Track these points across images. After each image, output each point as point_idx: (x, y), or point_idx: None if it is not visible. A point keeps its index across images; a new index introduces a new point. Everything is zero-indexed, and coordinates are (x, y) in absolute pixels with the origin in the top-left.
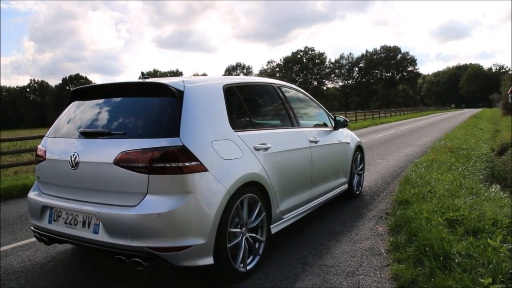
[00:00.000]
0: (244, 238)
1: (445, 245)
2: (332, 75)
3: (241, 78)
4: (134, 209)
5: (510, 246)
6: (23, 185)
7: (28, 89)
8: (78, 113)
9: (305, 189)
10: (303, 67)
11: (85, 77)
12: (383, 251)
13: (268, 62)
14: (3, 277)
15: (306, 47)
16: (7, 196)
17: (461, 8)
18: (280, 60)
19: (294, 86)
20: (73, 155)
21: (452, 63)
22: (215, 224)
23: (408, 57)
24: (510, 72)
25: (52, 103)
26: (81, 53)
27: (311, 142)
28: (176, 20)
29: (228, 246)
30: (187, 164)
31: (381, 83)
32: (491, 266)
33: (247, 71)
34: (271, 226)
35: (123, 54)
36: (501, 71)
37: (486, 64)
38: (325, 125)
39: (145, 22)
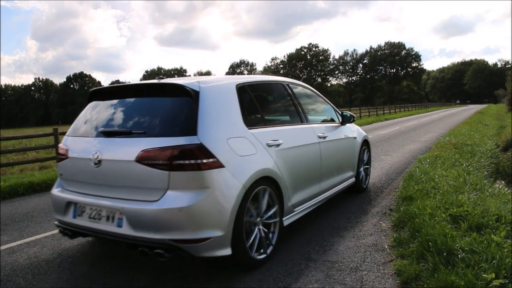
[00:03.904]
0: (258, 229)
1: (448, 241)
2: (336, 72)
3: (252, 77)
4: (156, 204)
5: None
6: (28, 183)
7: (33, 88)
8: (97, 113)
9: (314, 183)
10: (307, 63)
11: (89, 75)
12: (386, 247)
13: (272, 59)
14: (10, 273)
15: (310, 43)
16: (13, 194)
17: (463, 4)
18: (284, 57)
19: (301, 83)
20: (96, 153)
21: (456, 59)
22: (232, 217)
23: (413, 53)
24: None
25: (57, 101)
26: (84, 51)
27: (320, 137)
28: (177, 18)
29: (244, 237)
30: (204, 161)
31: (386, 79)
32: (494, 261)
33: (251, 68)
34: (283, 219)
35: (126, 52)
36: (507, 66)
37: (491, 60)
38: (332, 120)
39: (146, 20)
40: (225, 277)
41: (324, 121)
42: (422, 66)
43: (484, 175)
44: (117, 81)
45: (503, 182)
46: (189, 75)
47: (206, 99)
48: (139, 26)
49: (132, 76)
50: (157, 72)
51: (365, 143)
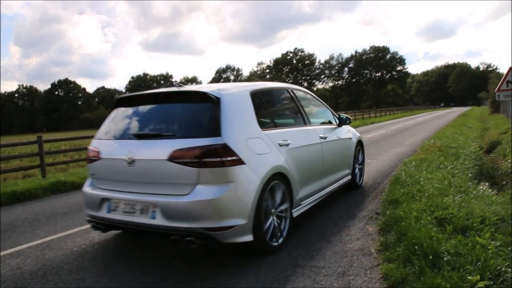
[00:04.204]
0: (273, 219)
1: (434, 244)
2: (322, 76)
3: (262, 84)
4: (187, 197)
5: (498, 243)
6: (11, 192)
7: (16, 95)
8: (125, 118)
9: (317, 179)
10: (293, 68)
11: (74, 81)
12: (373, 251)
13: (258, 64)
14: None
15: (296, 48)
16: None
17: (446, 7)
18: (270, 61)
19: (302, 88)
20: (129, 154)
21: (440, 62)
22: (253, 207)
23: (397, 56)
24: (497, 71)
25: (41, 108)
26: (68, 57)
27: (321, 138)
28: (163, 23)
29: (263, 225)
30: (228, 159)
31: (371, 83)
32: (479, 263)
33: (237, 73)
34: (292, 211)
35: (111, 57)
36: (489, 69)
37: (473, 63)
38: (330, 122)
39: (131, 25)
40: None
41: (323, 123)
42: (406, 70)
43: (468, 177)
44: (103, 88)
45: (487, 183)
46: (175, 81)
47: (226, 104)
48: (124, 31)
49: (118, 82)
50: (143, 78)
51: (359, 143)
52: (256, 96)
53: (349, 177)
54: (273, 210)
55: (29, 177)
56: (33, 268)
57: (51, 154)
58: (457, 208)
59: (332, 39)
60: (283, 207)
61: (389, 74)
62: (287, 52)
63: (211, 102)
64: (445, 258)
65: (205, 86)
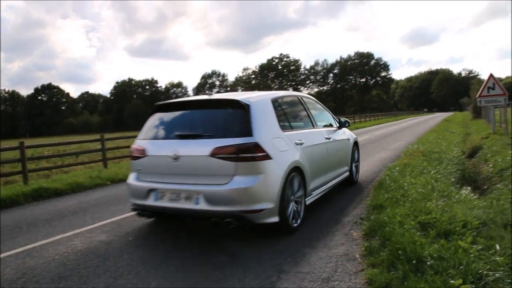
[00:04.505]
0: (293, 204)
1: (417, 248)
2: (307, 82)
3: (278, 92)
4: (227, 186)
5: (480, 247)
6: None
7: None
8: (166, 121)
9: (323, 174)
10: (279, 73)
11: (58, 86)
12: (357, 256)
13: (244, 69)
14: None
15: (281, 54)
16: None
17: (429, 15)
18: (256, 67)
19: (307, 95)
20: (174, 151)
21: (423, 68)
22: (278, 194)
23: (381, 62)
24: (478, 77)
25: (24, 113)
26: (52, 61)
27: (326, 138)
28: (148, 28)
29: (286, 208)
30: (259, 155)
31: (356, 88)
32: (461, 267)
33: (223, 79)
34: (306, 199)
35: (96, 62)
36: (470, 75)
37: (456, 69)
38: (331, 125)
39: (116, 30)
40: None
41: (325, 125)
42: (390, 76)
43: (451, 181)
44: (87, 93)
45: (469, 188)
46: (160, 86)
47: (254, 110)
48: (109, 36)
49: (103, 87)
50: (128, 83)
51: (355, 144)
52: (275, 102)
53: (348, 173)
54: (292, 197)
55: (10, 183)
56: (13, 277)
57: (34, 160)
58: (440, 213)
59: (317, 45)
60: (299, 194)
61: (374, 80)
62: (272, 57)
63: (242, 108)
64: (428, 263)
65: (234, 94)
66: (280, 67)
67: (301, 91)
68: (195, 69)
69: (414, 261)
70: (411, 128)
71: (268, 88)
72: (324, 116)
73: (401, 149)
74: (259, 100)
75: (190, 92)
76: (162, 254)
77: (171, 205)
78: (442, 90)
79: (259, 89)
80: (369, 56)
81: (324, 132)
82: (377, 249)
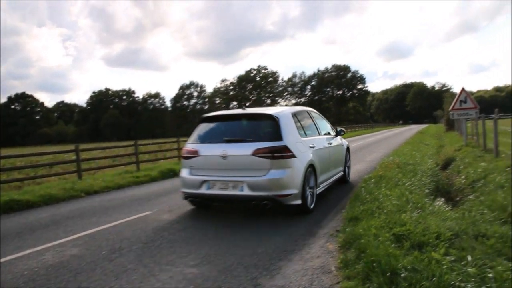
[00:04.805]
0: (309, 192)
1: (392, 261)
2: (285, 93)
3: (295, 108)
4: (265, 177)
5: (452, 258)
6: None
7: None
8: (211, 129)
9: (327, 172)
10: (257, 85)
11: (32, 95)
12: (333, 268)
13: (222, 80)
14: None
15: (259, 65)
16: None
17: (404, 29)
18: (234, 78)
19: (312, 109)
20: (223, 151)
21: (399, 81)
22: (301, 183)
23: (358, 75)
24: (451, 90)
25: None
26: (27, 70)
27: (328, 144)
28: (126, 38)
29: (305, 194)
30: (288, 154)
31: (333, 100)
32: (434, 279)
33: (201, 90)
34: (316, 190)
35: (72, 71)
36: (443, 89)
37: (429, 82)
38: (329, 133)
39: (93, 40)
40: None
41: (325, 134)
42: (367, 88)
43: (425, 193)
44: (62, 102)
45: (442, 199)
46: (137, 97)
47: (282, 121)
48: (86, 45)
49: (79, 97)
50: (105, 93)
51: (347, 149)
52: (294, 116)
53: (342, 173)
54: (308, 187)
55: None
56: None
57: (5, 171)
58: (414, 224)
59: (295, 57)
60: (312, 184)
61: (350, 92)
62: (250, 69)
63: (274, 120)
64: (402, 275)
65: (265, 109)
66: (258, 79)
67: (278, 102)
68: (173, 80)
69: (389, 274)
70: (387, 140)
71: (247, 100)
72: (324, 125)
73: (376, 161)
74: (285, 113)
75: (168, 103)
76: (134, 268)
77: (220, 192)
78: (416, 103)
79: (237, 100)
80: (346, 68)
81: (326, 138)
82: (352, 262)
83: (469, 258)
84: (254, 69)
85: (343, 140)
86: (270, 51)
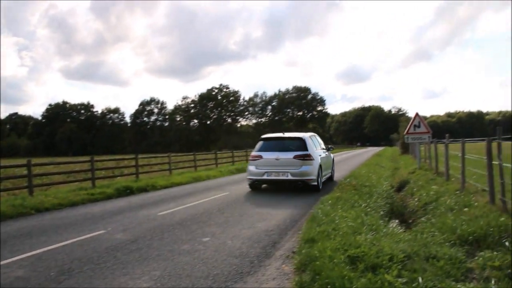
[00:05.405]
0: (319, 179)
1: (345, 283)
2: (246, 113)
3: (310, 133)
4: (299, 169)
5: (404, 280)
6: None
7: None
8: (268, 144)
9: (325, 171)
10: (218, 104)
11: None
12: None
13: (183, 98)
14: None
15: (221, 84)
16: None
17: (362, 54)
18: (195, 96)
19: (315, 134)
20: (277, 156)
21: (357, 104)
22: (317, 174)
23: (318, 97)
24: (406, 115)
25: None
26: None
27: (325, 154)
28: (86, 50)
29: (319, 180)
30: (310, 158)
31: (293, 121)
32: None
33: (162, 106)
34: (321, 179)
35: (27, 83)
36: (399, 113)
37: (386, 106)
38: (323, 148)
39: (52, 51)
40: None
41: (322, 149)
42: (326, 110)
43: (380, 215)
44: (16, 114)
45: (396, 221)
46: (96, 111)
47: (306, 140)
48: (44, 56)
49: (34, 109)
50: (62, 106)
51: (333, 160)
52: (310, 137)
53: (331, 174)
54: (318, 176)
55: None
56: None
57: None
58: (368, 246)
59: (257, 77)
60: (320, 176)
61: (310, 114)
62: (212, 87)
63: (302, 140)
64: None
65: (296, 134)
66: (219, 98)
67: (239, 122)
68: (133, 95)
69: None
70: (345, 162)
71: (208, 118)
72: (320, 143)
73: (334, 183)
74: (306, 136)
75: (128, 119)
76: None
77: (275, 178)
78: (374, 126)
79: (198, 118)
80: (306, 90)
81: (323, 151)
82: (308, 284)
83: (420, 280)
84: (216, 88)
85: (331, 154)
86: (232, 70)
